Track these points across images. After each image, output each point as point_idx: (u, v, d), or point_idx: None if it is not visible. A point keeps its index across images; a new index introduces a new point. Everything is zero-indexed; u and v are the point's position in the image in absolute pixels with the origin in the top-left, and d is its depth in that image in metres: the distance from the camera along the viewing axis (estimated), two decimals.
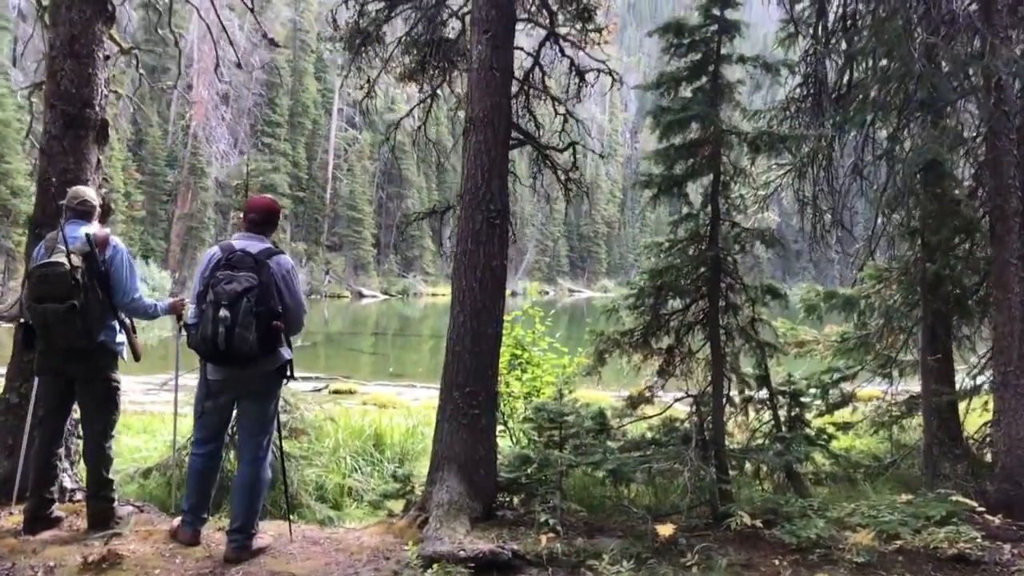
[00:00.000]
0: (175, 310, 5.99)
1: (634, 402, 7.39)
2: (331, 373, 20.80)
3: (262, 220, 5.51)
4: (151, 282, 45.47)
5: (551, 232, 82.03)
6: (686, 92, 7.13)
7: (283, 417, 7.17)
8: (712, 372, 7.01)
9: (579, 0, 7.41)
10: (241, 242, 5.42)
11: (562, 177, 7.25)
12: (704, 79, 7.10)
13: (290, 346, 5.51)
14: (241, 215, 5.64)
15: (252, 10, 7.72)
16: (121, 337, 5.75)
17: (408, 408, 12.52)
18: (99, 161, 7.05)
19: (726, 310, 7.19)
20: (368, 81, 7.62)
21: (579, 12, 7.67)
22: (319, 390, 16.78)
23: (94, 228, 5.78)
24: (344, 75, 7.75)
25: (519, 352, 8.45)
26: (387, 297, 59.67)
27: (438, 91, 7.56)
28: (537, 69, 7.27)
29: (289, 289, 5.30)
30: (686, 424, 6.97)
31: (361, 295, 59.56)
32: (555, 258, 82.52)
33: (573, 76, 7.41)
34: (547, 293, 69.44)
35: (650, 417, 7.39)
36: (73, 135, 6.80)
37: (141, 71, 8.50)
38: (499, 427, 7.85)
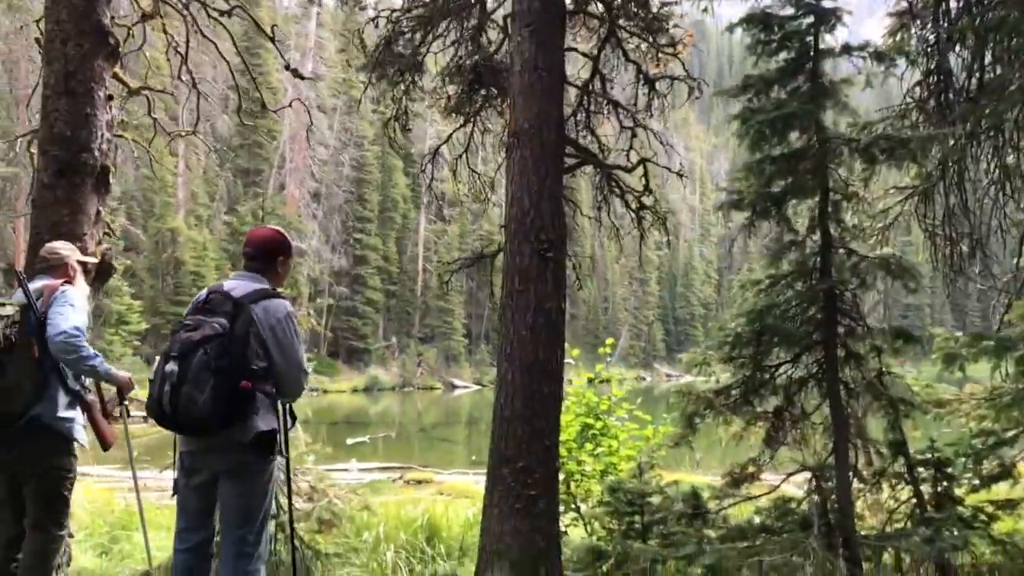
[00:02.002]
0: (119, 384, 4.82)
1: (736, 479, 5.95)
2: (419, 463, 19.69)
3: (257, 255, 4.43)
4: None
5: (645, 315, 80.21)
6: (780, 96, 5.88)
7: (306, 506, 5.97)
8: (834, 439, 5.75)
9: (647, 6, 6.26)
10: (232, 282, 4.38)
11: (633, 204, 5.98)
12: (801, 79, 5.86)
13: (292, 416, 4.47)
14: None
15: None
16: (72, 413, 4.66)
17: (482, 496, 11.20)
18: (99, 212, 6.20)
19: (846, 360, 5.85)
20: (405, 111, 6.60)
21: (647, 23, 6.53)
22: (395, 480, 16.09)
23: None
24: (391, 117, 6.73)
25: (592, 421, 7.08)
26: (479, 387, 58.75)
27: (481, 114, 6.46)
28: (597, 79, 6.08)
29: (279, 342, 4.16)
30: (804, 505, 5.80)
31: (453, 386, 58.70)
32: (650, 342, 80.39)
33: (641, 86, 6.20)
34: (644, 379, 67.30)
35: (757, 497, 6.00)
36: (67, 184, 6.00)
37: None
38: (569, 513, 6.48)
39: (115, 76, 6.54)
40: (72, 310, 4.54)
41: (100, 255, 6.15)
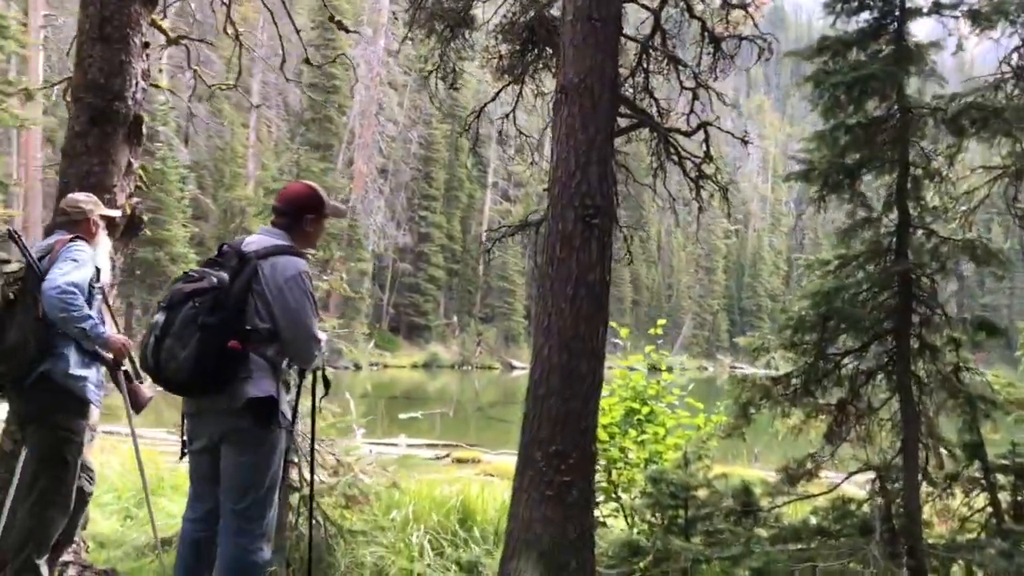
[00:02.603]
0: (112, 349, 4.52)
1: (792, 475, 5.48)
2: (472, 442, 19.44)
3: (285, 210, 4.10)
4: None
5: (709, 305, 78.76)
6: (859, 59, 5.35)
7: (331, 479, 5.67)
8: (902, 437, 5.32)
9: None
10: (252, 237, 4.08)
11: (692, 172, 5.50)
12: (883, 41, 5.32)
13: (326, 383, 4.22)
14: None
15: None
16: (86, 372, 4.41)
17: None
18: (131, 164, 5.96)
19: (920, 352, 5.33)
20: (453, 70, 6.20)
21: None
22: (440, 458, 15.93)
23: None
24: (432, 70, 6.34)
25: (638, 406, 6.62)
26: None
27: (535, 76, 6.02)
28: (658, 35, 5.59)
29: (285, 304, 3.82)
30: (865, 508, 5.36)
31: (512, 367, 58.44)
32: (714, 332, 78.93)
33: (707, 44, 5.69)
34: (706, 369, 66.16)
35: (814, 496, 5.49)
36: (99, 132, 5.77)
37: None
38: (609, 503, 6.07)
39: (153, 23, 6.29)
40: (73, 266, 4.29)
41: (130, 208, 5.92)
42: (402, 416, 24.67)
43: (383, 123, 56.84)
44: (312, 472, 4.42)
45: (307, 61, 7.26)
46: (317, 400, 4.41)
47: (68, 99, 6.44)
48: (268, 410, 3.81)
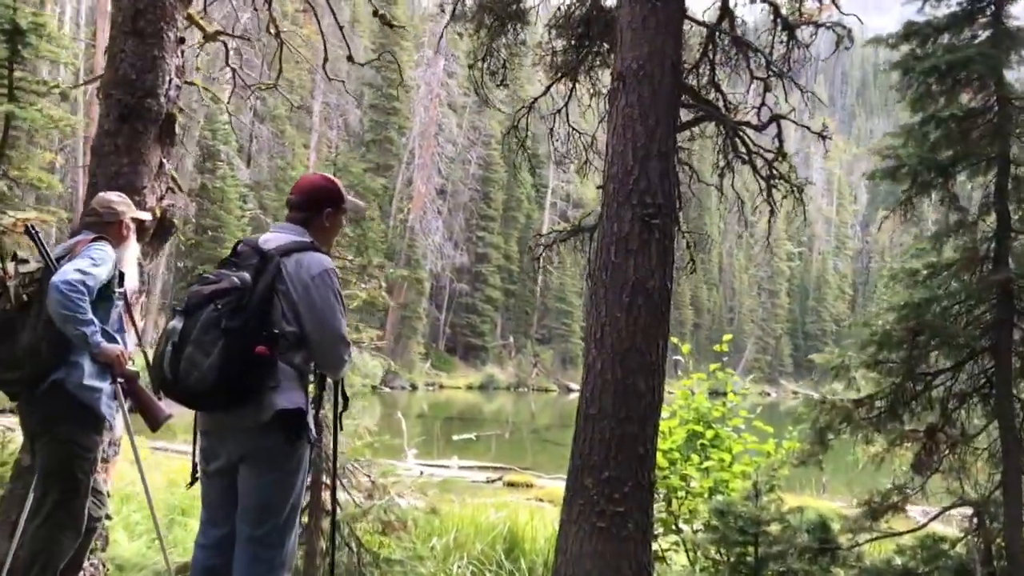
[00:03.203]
0: (108, 360, 4.11)
1: (875, 509, 4.90)
2: (525, 466, 18.93)
3: (302, 203, 3.70)
4: (362, 368, 45.69)
5: (772, 329, 77.15)
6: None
7: (366, 503, 5.25)
8: (1002, 468, 4.76)
9: None
10: (268, 234, 3.69)
11: (762, 169, 4.98)
12: (978, 25, 4.76)
13: (344, 397, 3.74)
14: None
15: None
16: (101, 384, 4.07)
17: None
18: (163, 164, 5.66)
19: (1022, 372, 4.66)
20: (503, 65, 5.78)
21: None
22: (492, 481, 15.59)
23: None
24: (479, 65, 5.94)
25: (701, 429, 6.05)
26: None
27: (590, 71, 5.57)
28: (726, 21, 5.10)
29: (312, 304, 3.43)
30: (960, 548, 4.86)
31: (569, 389, 57.75)
32: (777, 357, 77.26)
33: (779, 31, 5.18)
34: (768, 394, 64.70)
35: (901, 534, 4.89)
36: (129, 131, 5.50)
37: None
38: (669, 536, 5.55)
39: (190, 19, 6.02)
40: (88, 264, 3.95)
41: (161, 212, 5.61)
42: (455, 437, 24.27)
43: (442, 144, 57.20)
44: (333, 494, 4.01)
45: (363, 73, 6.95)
46: (338, 417, 3.98)
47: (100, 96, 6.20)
48: (297, 424, 3.42)
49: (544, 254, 5.87)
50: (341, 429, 4.09)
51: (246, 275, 3.38)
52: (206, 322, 3.24)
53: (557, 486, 14.79)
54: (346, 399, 3.90)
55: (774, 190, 5.10)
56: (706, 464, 5.87)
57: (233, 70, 6.36)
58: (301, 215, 3.68)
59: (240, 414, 3.33)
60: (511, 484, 15.19)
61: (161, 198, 5.65)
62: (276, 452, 3.44)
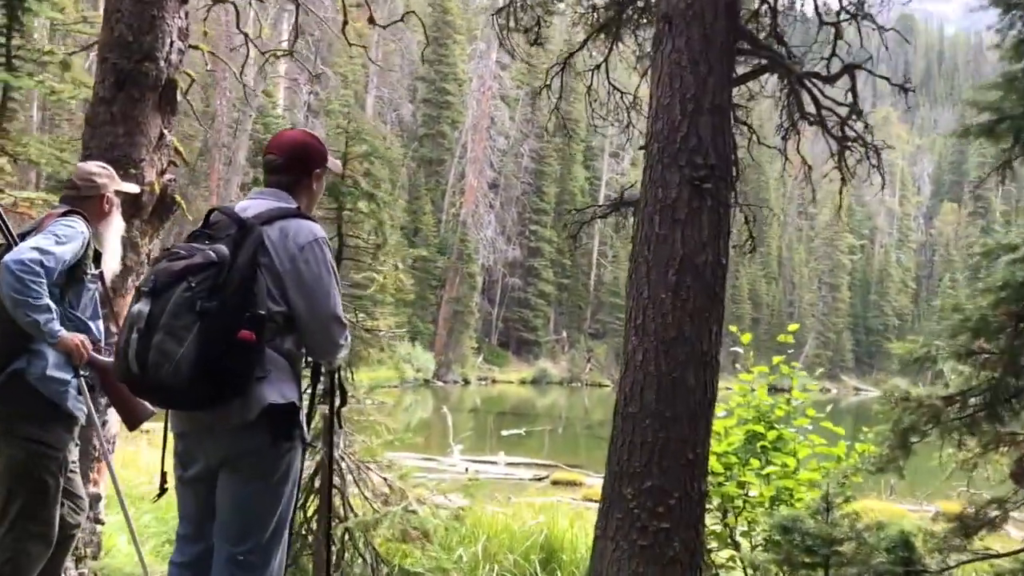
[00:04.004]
0: (66, 350, 3.59)
1: (967, 525, 4.17)
2: (577, 463, 18.31)
3: (285, 164, 3.15)
4: (415, 362, 45.37)
5: (833, 323, 75.29)
6: None
7: (383, 509, 4.70)
8: None
9: None
10: (247, 201, 3.14)
11: (834, 129, 4.29)
12: None
13: (343, 392, 3.22)
14: None
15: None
16: (66, 375, 3.58)
17: None
18: (163, 135, 5.18)
19: None
20: (537, 23, 5.19)
21: None
22: (540, 479, 15.02)
23: None
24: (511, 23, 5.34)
25: (762, 430, 5.35)
26: None
27: (636, 30, 4.93)
28: None
29: (300, 278, 2.90)
30: None
31: None
32: (838, 352, 75.37)
33: None
34: (828, 391, 63.12)
35: (998, 556, 4.17)
36: (125, 97, 5.07)
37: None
38: (724, 551, 4.90)
39: None
40: (50, 242, 3.45)
41: (161, 187, 5.13)
42: (504, 433, 23.77)
43: (494, 137, 56.99)
44: (329, 497, 3.43)
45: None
46: (338, 411, 3.42)
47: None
48: (288, 422, 2.91)
49: (584, 231, 5.27)
50: (340, 427, 3.55)
51: (223, 248, 2.82)
52: (178, 304, 2.70)
53: None
54: (344, 392, 3.36)
55: (847, 152, 4.42)
56: (767, 470, 5.16)
57: (245, 35, 5.86)
58: (285, 178, 3.13)
59: (222, 412, 2.79)
60: (557, 482, 14.70)
61: (162, 172, 5.18)
62: (261, 456, 2.91)
